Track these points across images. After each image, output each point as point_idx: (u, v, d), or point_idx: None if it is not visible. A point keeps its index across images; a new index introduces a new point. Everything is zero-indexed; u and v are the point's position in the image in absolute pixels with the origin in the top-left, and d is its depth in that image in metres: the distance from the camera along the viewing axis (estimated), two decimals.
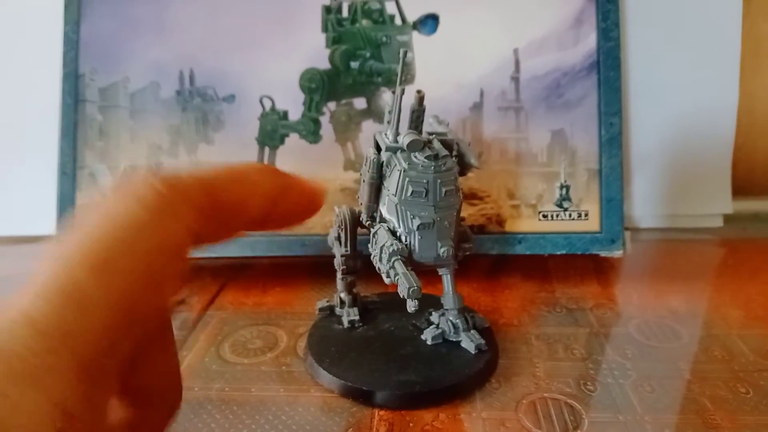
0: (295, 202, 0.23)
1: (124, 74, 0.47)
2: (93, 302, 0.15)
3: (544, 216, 0.45)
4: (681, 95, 0.51)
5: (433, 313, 0.35)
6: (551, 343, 0.36)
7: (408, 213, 0.31)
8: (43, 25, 0.51)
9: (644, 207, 0.52)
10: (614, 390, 0.31)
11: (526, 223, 0.45)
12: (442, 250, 0.31)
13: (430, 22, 0.47)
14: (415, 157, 0.30)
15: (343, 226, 0.36)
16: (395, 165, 0.31)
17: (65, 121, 0.47)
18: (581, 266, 0.47)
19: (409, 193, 0.30)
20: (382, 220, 0.33)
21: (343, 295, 0.37)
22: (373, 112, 0.46)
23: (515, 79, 0.46)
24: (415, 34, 0.47)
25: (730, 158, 0.52)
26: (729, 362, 0.34)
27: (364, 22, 0.47)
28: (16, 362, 0.14)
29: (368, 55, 0.46)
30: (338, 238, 0.36)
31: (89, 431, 0.15)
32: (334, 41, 0.47)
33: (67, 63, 0.48)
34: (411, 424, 0.29)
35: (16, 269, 0.50)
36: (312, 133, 0.47)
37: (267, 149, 0.47)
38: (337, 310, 0.37)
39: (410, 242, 0.31)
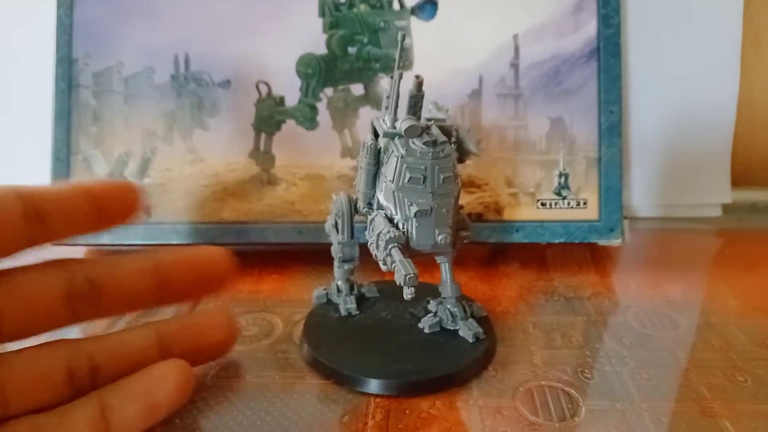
0: None
1: (118, 59, 0.47)
2: None
3: (543, 204, 0.45)
4: (681, 84, 0.51)
5: (431, 301, 0.35)
6: (549, 332, 0.36)
7: (405, 200, 0.30)
8: (35, 8, 0.50)
9: (643, 196, 0.52)
10: (612, 378, 0.31)
11: (524, 212, 0.45)
12: (439, 237, 0.31)
13: (428, 8, 0.46)
14: (413, 143, 0.30)
15: (340, 214, 0.35)
16: (393, 151, 0.30)
17: (59, 107, 0.47)
18: (579, 255, 0.47)
19: (406, 180, 0.30)
20: (380, 207, 0.32)
21: (340, 282, 0.37)
22: (370, 99, 0.46)
23: (514, 66, 0.46)
24: (413, 19, 0.46)
25: (729, 148, 0.52)
26: (727, 351, 0.33)
27: (362, 7, 0.46)
28: None
29: (366, 40, 0.46)
30: (335, 226, 0.36)
31: None
32: (331, 26, 0.46)
33: (61, 47, 0.47)
34: (407, 411, 0.29)
35: None
36: (309, 120, 0.46)
37: (263, 135, 0.46)
38: (334, 298, 0.37)
39: (407, 229, 0.31)
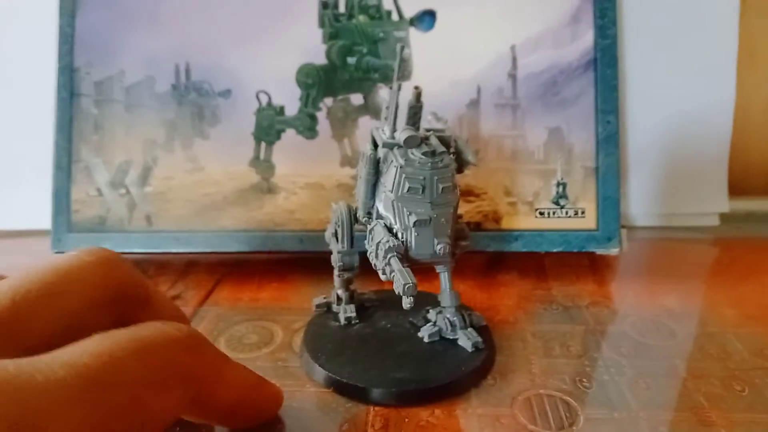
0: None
1: (119, 68, 0.47)
2: None
3: (541, 213, 0.45)
4: (678, 93, 0.51)
5: (430, 310, 0.35)
6: (547, 341, 0.36)
7: (404, 209, 0.30)
8: (37, 18, 0.50)
9: (640, 205, 0.52)
10: (610, 387, 0.31)
11: (522, 221, 0.45)
12: (438, 246, 0.31)
13: (427, 18, 0.46)
14: (412, 153, 0.30)
15: (339, 223, 0.35)
16: (392, 161, 0.31)
17: (60, 115, 0.47)
18: (577, 264, 0.47)
19: (405, 190, 0.30)
20: (379, 216, 0.33)
21: (339, 291, 0.37)
22: (370, 108, 0.46)
23: (512, 76, 0.46)
24: (412, 30, 0.47)
25: (726, 157, 0.52)
26: (724, 360, 0.34)
27: (361, 17, 0.47)
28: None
29: (365, 50, 0.46)
30: (335, 235, 0.36)
31: None
32: (330, 37, 0.47)
33: (62, 56, 0.47)
34: (406, 420, 0.29)
35: (11, 264, 0.49)
36: (308, 129, 0.46)
37: (263, 144, 0.46)
38: (334, 306, 0.37)
39: (406, 239, 0.31)
